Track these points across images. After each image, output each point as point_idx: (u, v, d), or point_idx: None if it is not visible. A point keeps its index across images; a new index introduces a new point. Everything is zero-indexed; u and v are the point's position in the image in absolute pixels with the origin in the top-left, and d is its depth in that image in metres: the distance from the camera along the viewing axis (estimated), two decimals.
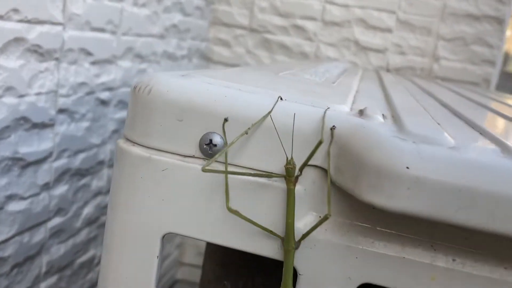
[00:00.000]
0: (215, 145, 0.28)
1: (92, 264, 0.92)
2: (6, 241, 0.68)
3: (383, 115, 0.29)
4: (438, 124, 0.30)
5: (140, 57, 0.97)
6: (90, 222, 0.88)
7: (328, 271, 0.28)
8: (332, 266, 0.28)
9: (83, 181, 0.84)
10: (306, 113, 0.28)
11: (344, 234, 0.28)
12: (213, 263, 0.42)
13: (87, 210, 0.87)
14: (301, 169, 0.28)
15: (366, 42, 1.18)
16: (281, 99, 0.29)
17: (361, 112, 0.29)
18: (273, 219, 0.29)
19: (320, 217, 0.28)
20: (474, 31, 1.13)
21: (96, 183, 0.88)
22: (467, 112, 0.40)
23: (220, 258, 0.40)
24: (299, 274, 0.29)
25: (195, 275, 1.32)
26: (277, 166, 0.29)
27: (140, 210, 0.30)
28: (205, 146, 0.28)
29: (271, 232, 0.28)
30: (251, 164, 0.29)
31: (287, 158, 0.28)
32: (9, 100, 0.64)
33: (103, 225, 0.93)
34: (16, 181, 0.68)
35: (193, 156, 0.29)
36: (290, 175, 0.28)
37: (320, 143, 0.27)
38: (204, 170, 0.27)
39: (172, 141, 0.29)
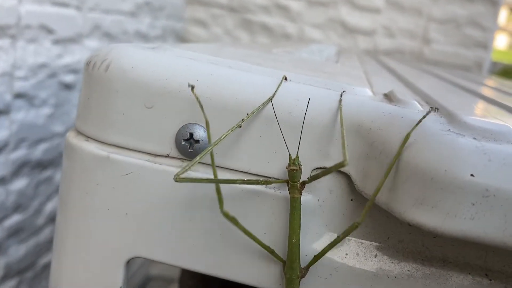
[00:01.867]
0: (197, 141, 0.21)
1: None
2: None
3: (417, 102, 0.22)
4: (493, 115, 0.23)
5: (109, 36, 0.88)
6: (54, 218, 0.80)
7: None
8: None
9: (45, 174, 0.76)
10: (320, 98, 0.21)
11: (370, 259, 0.21)
12: (192, 279, 0.34)
13: (51, 206, 0.78)
14: (311, 179, 0.20)
15: (353, 24, 1.11)
16: (285, 79, 0.21)
17: (388, 97, 0.22)
18: (272, 238, 0.22)
19: (338, 237, 0.21)
20: (466, 13, 1.07)
21: (60, 175, 0.79)
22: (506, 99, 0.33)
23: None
24: None
25: (171, 271, 1.24)
26: (278, 169, 0.21)
27: (96, 229, 0.22)
28: (183, 143, 0.21)
29: (271, 252, 0.21)
30: (244, 166, 0.21)
31: (290, 156, 0.21)
32: None
33: None
34: None
35: (167, 156, 0.21)
36: (294, 180, 0.20)
37: (341, 165, 0.18)
38: (177, 179, 0.19)
39: (139, 135, 0.21)
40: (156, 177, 0.21)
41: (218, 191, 0.19)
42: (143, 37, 1.01)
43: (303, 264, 0.21)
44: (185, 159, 0.21)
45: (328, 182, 0.21)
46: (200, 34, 1.18)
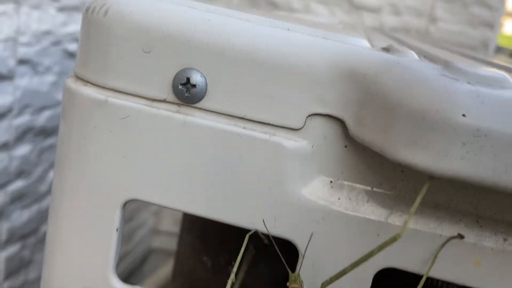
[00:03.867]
0: (194, 86, 0.21)
1: None
2: None
3: (415, 53, 0.22)
4: (488, 67, 0.23)
5: None
6: None
7: (341, 251, 0.21)
8: (345, 245, 0.21)
9: (49, 141, 0.76)
10: (317, 46, 0.21)
11: (362, 204, 0.21)
12: (191, 235, 0.35)
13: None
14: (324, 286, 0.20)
15: (359, 0, 1.11)
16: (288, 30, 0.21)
17: (386, 49, 0.22)
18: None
19: (331, 182, 0.21)
20: None
21: (59, 123, 0.80)
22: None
23: (200, 229, 0.34)
24: (301, 254, 0.22)
25: (173, 244, 1.25)
26: (282, 117, 0.21)
27: (94, 171, 0.22)
28: (180, 87, 0.21)
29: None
30: (245, 113, 0.21)
31: (290, 273, 0.21)
32: None
33: None
34: None
35: (164, 100, 0.22)
36: None
37: (395, 239, 0.18)
38: None
39: (137, 79, 0.22)
40: (153, 121, 0.22)
41: None
42: None
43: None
44: (182, 104, 0.22)
45: (323, 128, 0.21)
46: None
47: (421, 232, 0.21)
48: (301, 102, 0.21)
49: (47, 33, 0.70)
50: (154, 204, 0.22)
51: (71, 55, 0.77)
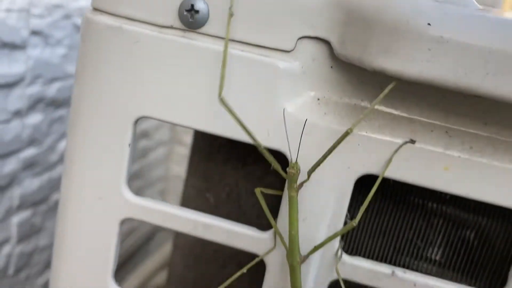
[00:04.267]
0: (197, 11, 0.24)
1: None
2: None
3: None
4: None
5: None
6: None
7: (325, 161, 0.24)
8: (330, 155, 0.24)
9: (59, 112, 0.79)
10: None
11: (345, 117, 0.24)
12: (195, 178, 0.38)
13: (63, 144, 0.82)
14: (309, 173, 0.24)
15: None
16: None
17: None
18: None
19: (318, 99, 0.24)
20: None
21: (77, 55, 0.83)
22: None
23: (203, 171, 0.36)
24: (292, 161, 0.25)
25: None
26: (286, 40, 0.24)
27: (109, 91, 0.25)
28: (185, 13, 0.24)
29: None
30: (243, 37, 0.24)
31: (290, 161, 0.24)
32: None
33: None
34: None
35: (171, 27, 0.25)
36: (293, 181, 0.24)
37: (347, 133, 0.22)
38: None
39: (147, 8, 0.24)
40: (161, 46, 0.25)
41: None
42: None
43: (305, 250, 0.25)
44: (187, 30, 0.25)
45: (311, 50, 0.24)
46: None
47: (397, 143, 0.24)
48: (293, 26, 0.23)
49: (58, 6, 0.73)
50: (163, 121, 0.25)
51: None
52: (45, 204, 0.81)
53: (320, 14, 0.23)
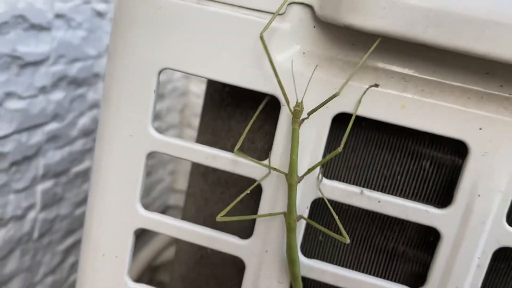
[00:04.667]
0: None
1: (87, 175, 0.95)
2: (5, 137, 0.70)
3: None
4: None
5: None
6: (86, 133, 0.91)
7: (309, 102, 0.30)
8: (313, 98, 0.31)
9: (79, 91, 0.87)
10: None
11: (325, 67, 0.31)
12: (206, 134, 0.44)
13: (83, 121, 0.89)
14: (309, 114, 0.30)
15: None
16: None
17: None
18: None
19: (303, 53, 0.31)
20: None
21: (93, 95, 0.90)
22: None
23: (212, 127, 0.43)
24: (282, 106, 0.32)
25: None
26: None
27: (138, 48, 0.32)
28: None
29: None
30: (244, 3, 0.31)
31: (297, 100, 0.31)
32: None
33: None
34: (15, 79, 0.70)
35: None
36: (297, 117, 0.30)
37: (335, 95, 0.29)
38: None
39: None
40: (180, 10, 0.31)
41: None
42: None
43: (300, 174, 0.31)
44: None
45: (298, 13, 0.30)
46: None
47: (365, 87, 0.30)
48: None
49: None
50: (181, 71, 0.32)
51: (99, 14, 0.87)
52: (65, 176, 0.88)
53: None
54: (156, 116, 1.20)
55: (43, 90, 0.77)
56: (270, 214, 0.33)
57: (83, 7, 0.83)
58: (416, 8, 0.26)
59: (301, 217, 0.32)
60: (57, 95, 0.81)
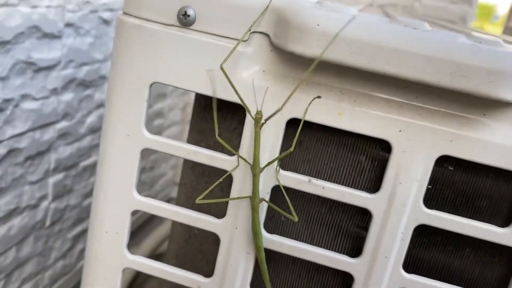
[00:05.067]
0: (189, 16, 0.39)
1: (94, 169, 1.04)
2: (21, 134, 0.80)
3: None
4: (359, 7, 0.41)
5: None
6: (93, 130, 1.00)
7: (268, 110, 0.39)
8: (271, 106, 0.39)
9: (87, 92, 0.96)
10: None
11: (281, 82, 0.39)
12: (194, 133, 0.53)
13: (90, 119, 0.99)
14: (266, 120, 0.39)
15: None
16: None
17: None
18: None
19: (263, 71, 0.39)
20: None
21: (99, 95, 0.99)
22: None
23: (199, 128, 0.52)
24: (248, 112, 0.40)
25: None
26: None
27: (134, 66, 0.41)
28: (181, 17, 0.39)
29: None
30: (217, 32, 0.39)
31: (257, 109, 0.39)
32: (24, 9, 0.74)
33: None
34: (30, 83, 0.79)
35: (172, 25, 0.40)
36: (257, 122, 0.39)
37: (278, 110, 0.38)
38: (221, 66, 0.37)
39: (157, 12, 0.40)
40: (166, 37, 0.40)
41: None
42: None
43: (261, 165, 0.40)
44: (182, 27, 0.40)
45: (258, 40, 0.39)
46: None
47: (310, 98, 0.39)
48: (248, 25, 0.39)
49: (87, 2, 0.89)
50: (168, 85, 0.41)
51: (104, 21, 0.96)
52: (74, 169, 0.97)
53: (265, 19, 0.38)
54: (159, 114, 1.29)
55: (54, 91, 0.86)
56: (239, 198, 0.41)
57: (90, 16, 0.92)
58: (341, 39, 0.35)
59: (263, 199, 0.41)
60: (67, 96, 0.90)
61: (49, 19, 0.80)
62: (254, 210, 0.41)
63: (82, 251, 1.06)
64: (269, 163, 0.40)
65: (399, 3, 1.26)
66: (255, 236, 0.41)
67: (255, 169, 0.40)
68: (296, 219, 0.39)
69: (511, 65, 0.33)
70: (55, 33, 0.83)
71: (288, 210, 0.42)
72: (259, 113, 0.39)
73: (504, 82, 0.34)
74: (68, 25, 0.86)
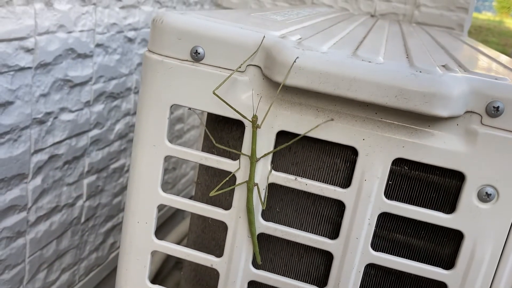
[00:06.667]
0: (199, 53, 0.51)
1: (123, 171, 1.17)
2: (60, 142, 0.93)
3: (300, 38, 0.52)
4: (332, 42, 0.53)
5: (159, 3, 1.19)
6: (121, 136, 1.13)
7: (259, 119, 0.51)
8: (261, 118, 0.51)
9: (115, 102, 1.09)
10: (256, 37, 0.51)
11: (269, 101, 0.51)
12: (207, 141, 0.65)
13: (118, 127, 1.12)
14: (260, 125, 0.51)
15: None
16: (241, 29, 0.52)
17: (283, 36, 0.52)
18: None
19: (257, 94, 0.51)
20: None
21: (125, 105, 1.12)
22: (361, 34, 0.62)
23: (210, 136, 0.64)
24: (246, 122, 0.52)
25: None
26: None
27: (158, 91, 0.53)
28: (193, 54, 0.51)
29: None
30: (221, 64, 0.52)
31: (254, 114, 0.51)
32: (61, 35, 0.88)
33: (131, 140, 1.18)
34: (66, 97, 0.92)
35: (186, 60, 0.52)
36: (254, 123, 0.51)
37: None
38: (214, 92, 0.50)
39: (175, 50, 0.52)
40: (181, 69, 0.52)
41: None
42: (184, 3, 1.31)
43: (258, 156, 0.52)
44: (194, 61, 0.52)
45: (253, 71, 0.51)
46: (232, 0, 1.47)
47: (292, 115, 0.50)
48: (244, 59, 0.51)
49: (114, 24, 1.02)
50: (184, 106, 0.53)
51: (129, 40, 1.09)
52: (105, 172, 1.11)
53: (258, 55, 0.50)
54: (180, 119, 1.42)
55: (87, 104, 0.99)
56: (239, 184, 0.54)
57: (117, 36, 1.05)
58: (313, 71, 0.47)
59: (256, 184, 0.53)
60: (98, 107, 1.03)
61: (82, 41, 0.94)
62: (249, 191, 0.53)
63: (113, 245, 1.20)
64: (265, 155, 0.52)
65: (399, 12, 1.37)
66: (249, 212, 0.53)
67: (253, 159, 0.52)
68: (263, 207, 0.52)
69: (441, 89, 0.45)
70: (87, 53, 0.96)
71: (271, 201, 0.54)
72: (255, 116, 0.51)
73: (437, 102, 0.45)
74: (98, 45, 0.99)
